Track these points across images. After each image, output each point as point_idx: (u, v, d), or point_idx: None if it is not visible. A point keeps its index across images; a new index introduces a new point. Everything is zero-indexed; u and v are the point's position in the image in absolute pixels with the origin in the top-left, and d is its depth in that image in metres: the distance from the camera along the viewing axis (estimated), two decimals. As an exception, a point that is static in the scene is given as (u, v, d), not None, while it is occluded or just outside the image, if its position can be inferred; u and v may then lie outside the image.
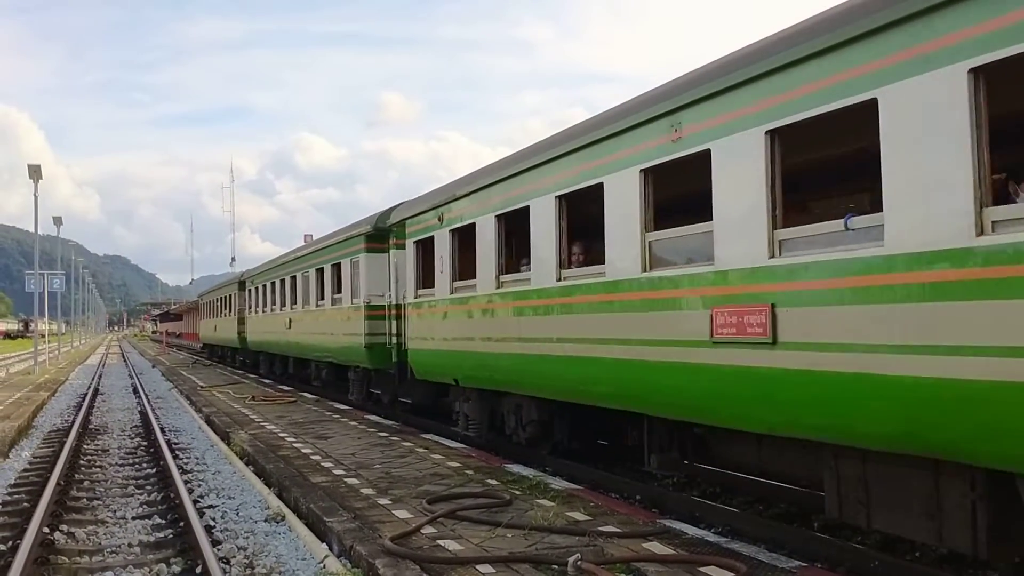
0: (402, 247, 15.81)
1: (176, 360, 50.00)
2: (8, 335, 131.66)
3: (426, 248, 14.45)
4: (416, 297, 14.74)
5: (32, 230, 36.88)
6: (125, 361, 51.59)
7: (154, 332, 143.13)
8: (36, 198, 33.79)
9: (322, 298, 21.74)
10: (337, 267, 20.40)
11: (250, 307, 33.16)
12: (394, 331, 16.41)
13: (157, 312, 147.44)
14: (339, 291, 20.25)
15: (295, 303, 24.92)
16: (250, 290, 33.23)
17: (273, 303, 28.36)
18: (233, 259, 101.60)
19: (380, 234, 17.54)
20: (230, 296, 37.55)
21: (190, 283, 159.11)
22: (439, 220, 13.56)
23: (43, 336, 48.65)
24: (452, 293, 13.13)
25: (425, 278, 14.47)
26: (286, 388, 24.94)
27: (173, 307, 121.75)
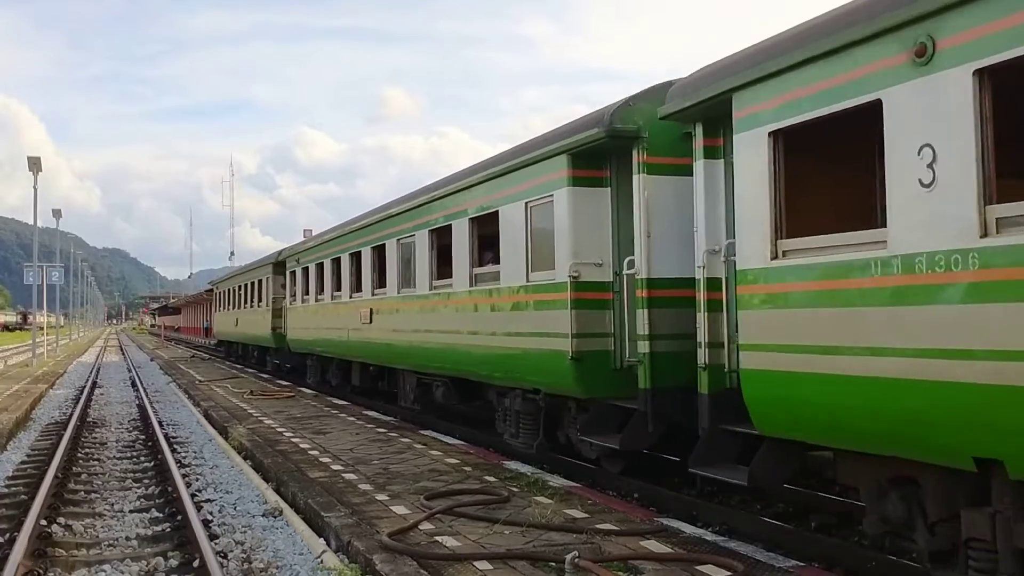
0: (665, 169, 9.10)
1: (175, 354, 50.01)
2: (7, 327, 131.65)
3: (813, 144, 7.14)
4: (777, 257, 6.89)
5: (31, 222, 36.87)
6: (123, 354, 51.60)
7: (152, 326, 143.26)
8: (35, 190, 33.84)
9: (444, 276, 13.79)
10: (484, 221, 12.38)
11: (293, 295, 25.05)
12: (646, 329, 9.05)
13: (156, 306, 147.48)
14: (485, 261, 12.60)
15: (381, 286, 16.91)
16: (293, 272, 25.15)
17: (336, 288, 20.31)
18: (232, 253, 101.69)
19: (601, 150, 9.79)
20: (260, 282, 29.89)
21: (189, 277, 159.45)
22: (922, 51, 5.51)
23: (41, 328, 48.67)
24: None
25: (792, 214, 6.96)
26: (285, 383, 24.93)
27: (172, 301, 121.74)
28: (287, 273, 26.06)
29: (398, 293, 15.83)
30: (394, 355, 16.38)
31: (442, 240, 13.95)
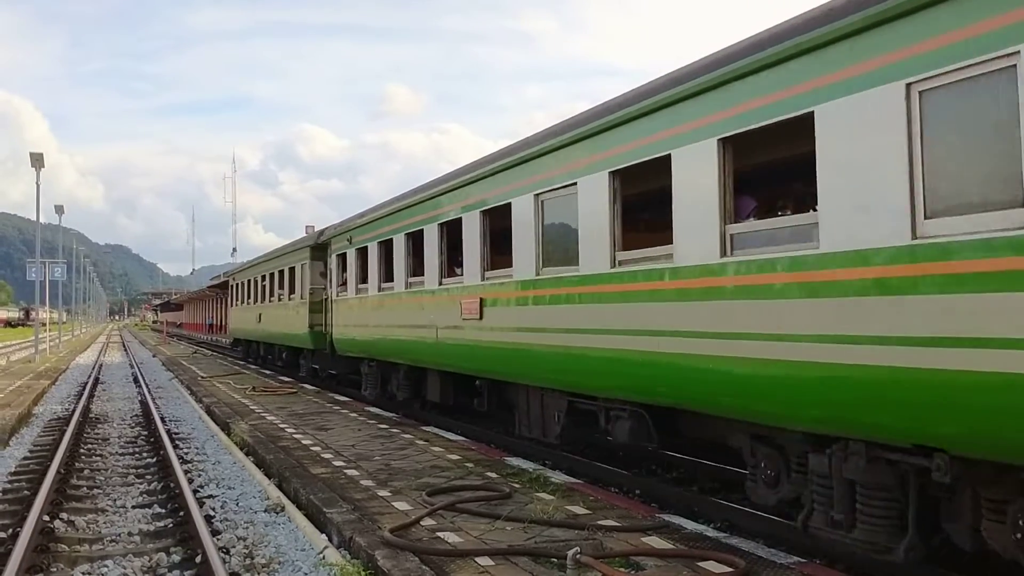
0: None
1: (177, 351, 50.06)
2: (9, 323, 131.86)
3: None
4: None
5: (34, 218, 36.92)
6: (126, 350, 51.65)
7: (155, 322, 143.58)
8: (38, 186, 33.85)
9: (640, 244, 8.91)
10: (755, 140, 7.38)
11: (342, 283, 19.96)
12: None
13: (158, 302, 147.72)
14: (745, 214, 7.98)
15: (498, 266, 11.88)
16: (342, 255, 19.80)
17: (414, 272, 15.07)
18: (234, 249, 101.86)
19: None
20: (293, 270, 24.88)
21: (191, 273, 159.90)
22: None
23: (44, 325, 48.69)
24: None
25: None
26: (287, 379, 24.94)
27: (174, 297, 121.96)
28: (332, 257, 20.79)
29: (537, 275, 10.61)
30: (523, 365, 11.06)
31: (635, 186, 9.12)
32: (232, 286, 38.81)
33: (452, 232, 13.40)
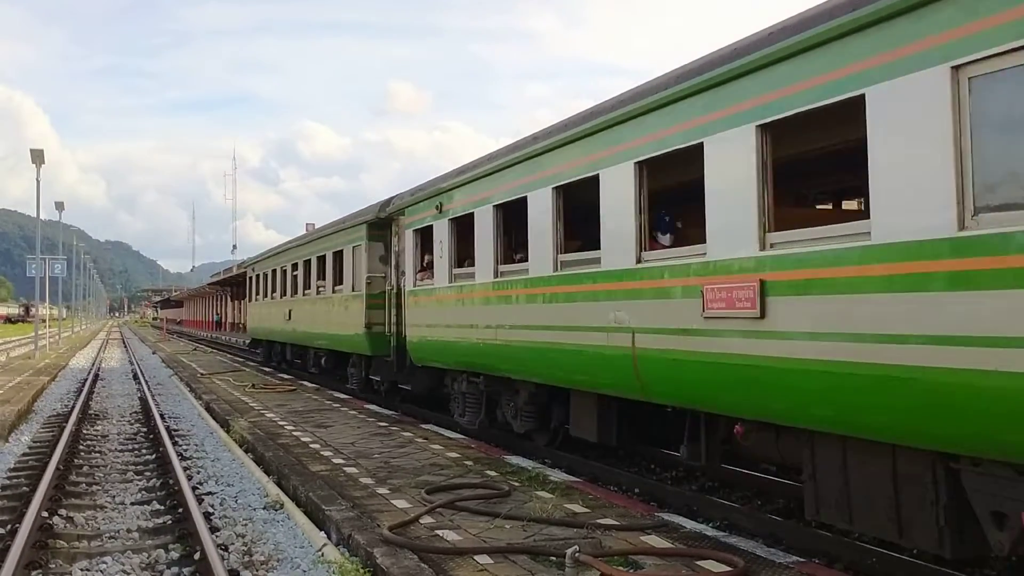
0: None
1: (177, 347, 50.08)
2: (9, 319, 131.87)
3: None
4: None
5: (35, 215, 36.92)
6: (126, 347, 51.66)
7: (155, 319, 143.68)
8: (38, 183, 33.84)
9: None
10: None
11: (423, 268, 14.57)
12: None
13: (158, 299, 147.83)
14: None
15: (784, 226, 6.82)
16: (424, 231, 14.34)
17: (566, 245, 10.18)
18: (235, 247, 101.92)
19: None
20: (340, 255, 19.66)
21: (191, 270, 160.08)
22: None
23: (43, 321, 48.66)
24: None
25: None
26: (286, 376, 24.93)
27: (174, 294, 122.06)
28: (405, 234, 15.46)
29: (959, 230, 5.18)
30: (919, 409, 5.51)
31: None
32: (250, 278, 32.64)
33: (659, 175, 8.59)
